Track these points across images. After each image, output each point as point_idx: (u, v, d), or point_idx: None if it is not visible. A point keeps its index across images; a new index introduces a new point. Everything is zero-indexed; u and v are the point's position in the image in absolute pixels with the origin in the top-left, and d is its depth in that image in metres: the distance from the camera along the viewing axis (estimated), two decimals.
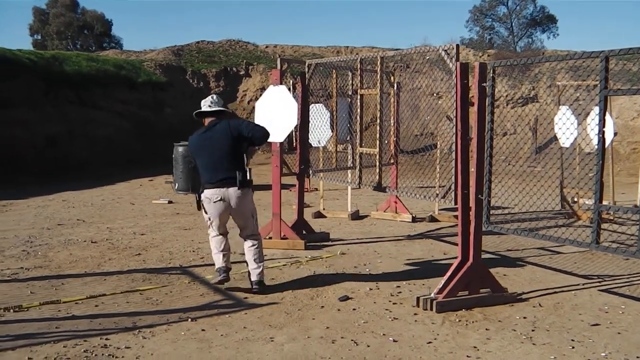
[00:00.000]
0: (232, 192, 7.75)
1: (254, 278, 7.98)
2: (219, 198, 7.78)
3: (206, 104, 8.09)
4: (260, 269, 8.01)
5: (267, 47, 35.41)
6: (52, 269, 9.13)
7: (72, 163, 21.31)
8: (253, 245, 8.09)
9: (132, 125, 25.39)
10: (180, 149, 17.53)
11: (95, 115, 24.09)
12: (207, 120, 8.06)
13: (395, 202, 13.09)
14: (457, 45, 7.53)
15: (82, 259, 9.67)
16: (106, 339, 6.29)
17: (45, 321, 6.84)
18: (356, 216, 13.28)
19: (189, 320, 6.85)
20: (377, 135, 9.11)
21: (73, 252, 10.16)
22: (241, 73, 31.54)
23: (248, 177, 7.89)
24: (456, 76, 7.29)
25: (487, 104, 7.22)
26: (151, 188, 18.48)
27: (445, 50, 7.52)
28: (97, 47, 54.81)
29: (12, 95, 21.27)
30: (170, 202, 15.58)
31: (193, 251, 10.15)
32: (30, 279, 8.57)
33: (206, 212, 7.95)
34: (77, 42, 60.55)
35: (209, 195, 7.81)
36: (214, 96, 8.23)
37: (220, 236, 8.11)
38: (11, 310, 7.17)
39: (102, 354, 5.91)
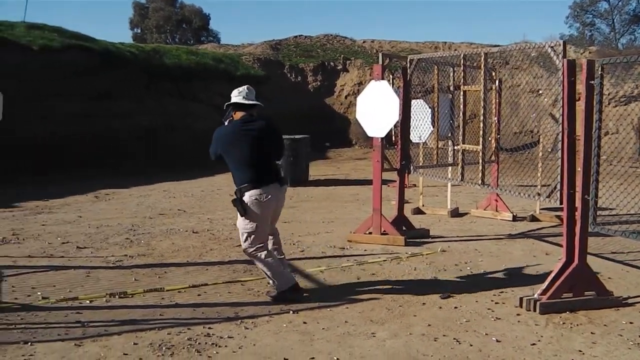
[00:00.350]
0: (283, 190, 7.48)
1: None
2: (269, 197, 7.15)
3: (241, 95, 7.40)
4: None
5: (364, 42, 35.36)
6: (155, 257, 9.33)
7: (172, 154, 21.67)
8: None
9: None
10: None
11: (194, 108, 24.47)
12: (240, 114, 7.39)
13: (496, 201, 12.93)
14: (564, 42, 7.39)
15: (184, 249, 9.85)
16: (209, 328, 6.40)
17: (150, 308, 7.01)
18: (456, 213, 13.17)
19: (291, 312, 6.90)
20: (480, 132, 9.02)
21: (175, 241, 10.36)
22: (338, 68, 31.59)
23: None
24: (562, 73, 7.15)
25: (594, 102, 7.06)
26: None
27: (552, 47, 7.39)
28: (195, 41, 55.69)
29: (114, 88, 21.78)
30: None
31: (293, 244, 10.20)
32: (134, 267, 8.79)
33: (251, 218, 7.14)
34: (176, 35, 61.67)
35: (259, 195, 7.10)
36: (250, 87, 7.55)
37: (268, 251, 7.36)
38: (116, 296, 7.38)
39: (206, 343, 6.01)
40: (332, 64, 31.66)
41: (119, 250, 9.75)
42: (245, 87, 7.49)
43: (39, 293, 7.47)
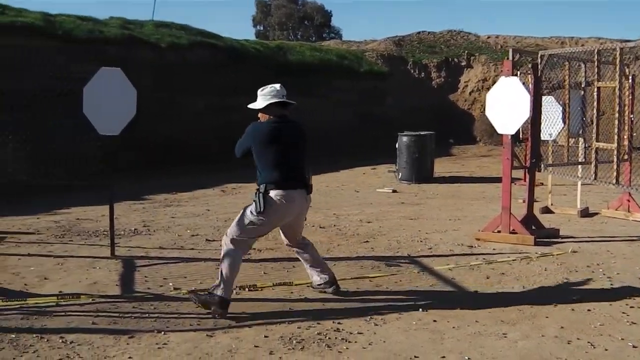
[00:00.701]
0: (308, 198, 7.12)
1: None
2: (293, 201, 6.85)
3: (280, 94, 6.94)
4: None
5: (488, 37, 34.88)
6: (283, 251, 9.34)
7: None
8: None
9: (354, 114, 25.79)
10: (405, 139, 17.78)
11: (318, 104, 24.62)
12: (265, 115, 7.03)
13: (628, 201, 12.51)
14: None
15: None
16: (339, 323, 6.39)
17: (279, 302, 7.08)
18: (586, 213, 12.81)
19: (420, 310, 6.83)
20: (615, 130, 8.75)
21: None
22: (462, 64, 31.27)
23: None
24: None
25: None
26: (374, 177, 18.69)
27: None
28: (317, 38, 56.07)
29: (240, 84, 22.08)
30: (394, 191, 15.67)
31: (420, 241, 10.13)
32: (262, 260, 8.91)
33: (265, 215, 6.75)
34: (298, 32, 62.21)
35: (283, 196, 6.76)
36: (282, 86, 7.04)
37: (240, 255, 6.96)
38: (247, 289, 7.50)
39: (335, 338, 6.01)
40: (455, 60, 31.37)
41: None
42: (279, 85, 7.02)
43: (170, 284, 7.67)
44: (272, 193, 6.69)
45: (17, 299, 6.97)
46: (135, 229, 10.73)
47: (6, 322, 6.29)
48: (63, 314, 6.57)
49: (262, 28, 63.68)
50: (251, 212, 6.78)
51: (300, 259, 7.51)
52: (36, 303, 6.90)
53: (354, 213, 12.45)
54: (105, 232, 10.33)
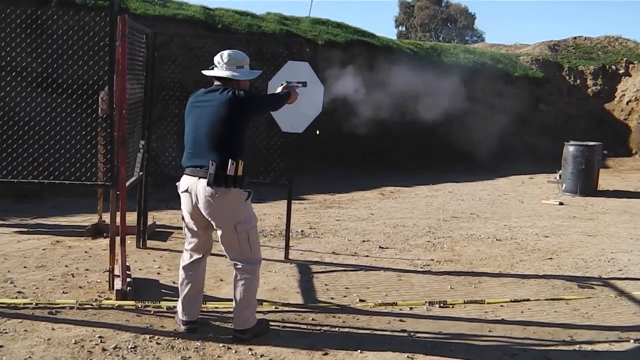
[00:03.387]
0: (201, 188, 5.52)
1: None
2: (185, 189, 5.65)
3: (220, 64, 5.77)
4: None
5: None
6: (464, 264, 8.84)
7: (447, 153, 21.20)
8: (241, 279, 5.80)
9: (508, 119, 24.89)
10: (572, 148, 16.85)
11: (472, 108, 23.88)
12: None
13: None
14: None
15: (491, 257, 9.27)
16: (545, 352, 5.81)
17: (475, 322, 6.51)
18: None
19: (631, 341, 6.14)
20: None
21: (480, 248, 9.80)
22: (620, 72, 29.79)
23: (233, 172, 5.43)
24: None
25: None
26: (534, 186, 17.80)
27: None
28: (459, 40, 55.24)
29: (394, 85, 21.68)
30: (561, 203, 14.79)
31: (607, 261, 9.32)
32: (444, 273, 8.34)
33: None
34: (440, 34, 61.58)
35: (180, 183, 5.73)
36: (230, 53, 5.77)
37: (192, 258, 5.97)
38: (436, 305, 6.94)
39: None
40: (613, 67, 29.92)
41: (424, 253, 9.34)
42: (226, 52, 5.77)
43: (355, 294, 7.20)
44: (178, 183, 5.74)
45: None
46: (302, 231, 10.34)
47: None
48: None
49: (404, 29, 63.23)
50: None
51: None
52: (216, 307, 6.57)
53: (526, 225, 11.70)
54: (273, 233, 10.07)
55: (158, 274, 7.71)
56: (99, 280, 7.28)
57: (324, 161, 17.64)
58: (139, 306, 6.45)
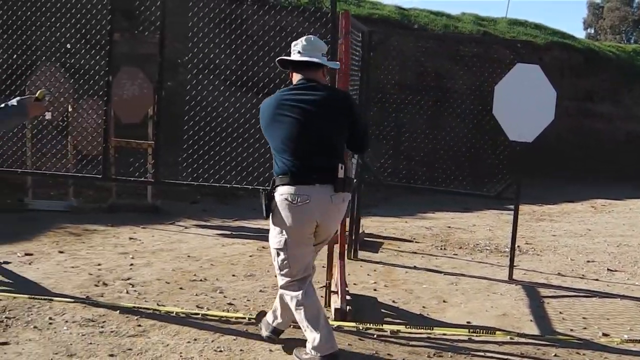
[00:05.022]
0: (336, 197, 4.94)
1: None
2: (306, 201, 4.87)
3: (307, 51, 5.05)
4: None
5: None
6: None
7: None
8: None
9: None
10: None
11: None
12: (297, 76, 5.10)
13: None
14: None
15: None
16: None
17: None
18: None
19: None
20: None
21: None
22: None
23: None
24: None
25: None
26: None
27: None
28: None
29: (595, 89, 20.62)
30: None
31: None
32: None
33: (278, 225, 5.00)
34: (631, 37, 58.77)
35: (290, 195, 4.89)
36: (316, 39, 5.14)
37: (307, 286, 5.09)
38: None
39: None
40: None
41: None
42: (309, 37, 5.17)
43: (595, 327, 6.34)
44: (279, 191, 4.92)
45: (422, 326, 6.01)
46: (518, 246, 9.52)
47: (415, 355, 5.36)
48: (481, 354, 5.49)
49: (592, 31, 60.76)
50: (271, 231, 5.11)
51: None
52: (444, 334, 5.89)
53: None
54: (488, 248, 9.42)
55: (375, 290, 7.14)
56: None
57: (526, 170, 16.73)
58: (360, 328, 5.89)
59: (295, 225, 4.90)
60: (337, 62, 5.50)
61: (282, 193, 4.86)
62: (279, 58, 5.19)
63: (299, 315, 5.01)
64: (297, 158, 4.87)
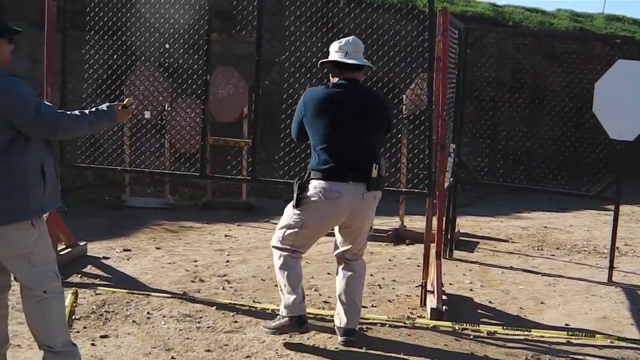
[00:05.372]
0: (368, 196, 5.19)
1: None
2: (339, 197, 5.09)
3: (344, 51, 5.25)
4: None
5: None
6: None
7: None
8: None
9: None
10: None
11: None
12: (338, 76, 5.30)
13: None
14: None
15: None
16: None
17: None
18: None
19: None
20: None
21: None
22: None
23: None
24: None
25: None
26: None
27: None
28: None
29: None
30: None
31: None
32: None
33: (303, 214, 5.19)
34: None
35: (323, 189, 5.11)
36: (357, 40, 5.35)
37: (294, 261, 5.41)
38: None
39: None
40: None
41: None
42: (348, 38, 5.34)
43: None
44: (313, 184, 5.16)
45: (519, 327, 5.95)
46: (617, 248, 9.27)
47: (512, 357, 5.32)
48: (580, 357, 5.41)
49: None
50: (290, 211, 5.33)
51: (337, 279, 5.62)
52: (541, 336, 5.80)
53: None
54: (586, 249, 9.20)
55: (471, 290, 7.09)
56: (408, 294, 6.80)
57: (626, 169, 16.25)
58: (456, 328, 5.87)
59: (320, 218, 5.24)
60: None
61: (316, 186, 5.13)
62: (321, 61, 5.46)
63: (282, 276, 5.35)
64: (334, 155, 5.11)
